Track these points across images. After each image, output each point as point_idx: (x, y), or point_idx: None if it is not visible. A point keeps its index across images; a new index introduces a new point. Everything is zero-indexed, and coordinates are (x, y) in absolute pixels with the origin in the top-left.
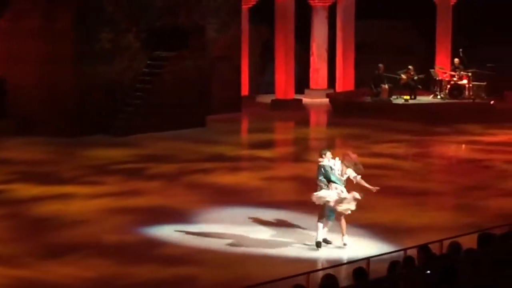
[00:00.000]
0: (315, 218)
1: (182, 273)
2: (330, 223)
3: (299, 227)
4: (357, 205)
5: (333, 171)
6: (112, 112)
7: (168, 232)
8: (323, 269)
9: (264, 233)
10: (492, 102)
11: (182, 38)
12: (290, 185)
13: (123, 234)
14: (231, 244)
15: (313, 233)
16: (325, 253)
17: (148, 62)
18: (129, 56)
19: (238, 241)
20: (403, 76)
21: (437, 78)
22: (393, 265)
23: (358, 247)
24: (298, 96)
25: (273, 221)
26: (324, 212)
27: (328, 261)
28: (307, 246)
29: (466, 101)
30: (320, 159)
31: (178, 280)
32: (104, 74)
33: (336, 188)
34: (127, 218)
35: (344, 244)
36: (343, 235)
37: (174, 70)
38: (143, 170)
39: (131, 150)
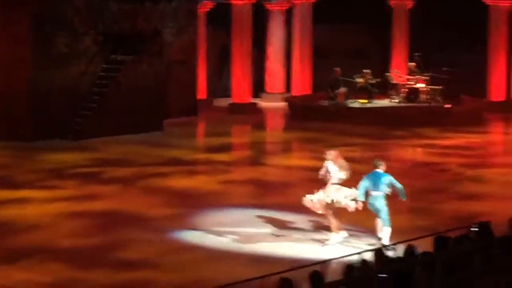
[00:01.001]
0: (274, 220)
1: (138, 277)
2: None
3: (256, 229)
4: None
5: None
6: (69, 116)
7: (124, 236)
8: (280, 272)
9: (221, 237)
10: (448, 106)
11: (139, 42)
12: (247, 188)
13: (79, 238)
14: (187, 248)
15: (271, 232)
16: (286, 253)
17: (105, 66)
18: (86, 60)
19: (195, 244)
20: (360, 80)
21: (393, 82)
22: (349, 268)
23: (314, 248)
24: (255, 100)
25: (230, 224)
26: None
27: (291, 261)
28: (267, 247)
29: (422, 104)
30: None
31: (134, 284)
32: (61, 78)
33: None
34: (83, 222)
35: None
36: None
37: (131, 74)
38: (100, 174)
39: (87, 154)
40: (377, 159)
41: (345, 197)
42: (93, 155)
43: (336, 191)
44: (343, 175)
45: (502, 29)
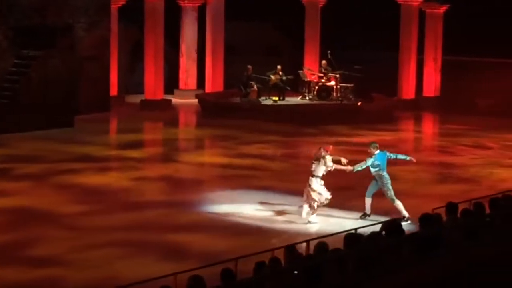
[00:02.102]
0: (187, 217)
1: (48, 274)
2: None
3: (168, 227)
4: None
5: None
6: None
7: (34, 233)
8: (193, 269)
9: (134, 233)
10: (359, 104)
11: (50, 37)
12: (159, 185)
13: None
14: (98, 245)
15: (185, 227)
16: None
17: (16, 61)
18: None
19: (106, 241)
20: (272, 77)
21: (306, 80)
22: (259, 265)
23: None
24: (167, 97)
25: (142, 221)
26: None
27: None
28: (180, 243)
29: (334, 102)
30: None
31: (44, 281)
32: None
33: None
34: None
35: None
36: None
37: (42, 70)
38: (10, 171)
39: None
40: (373, 142)
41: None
42: (4, 151)
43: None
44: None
45: (413, 28)
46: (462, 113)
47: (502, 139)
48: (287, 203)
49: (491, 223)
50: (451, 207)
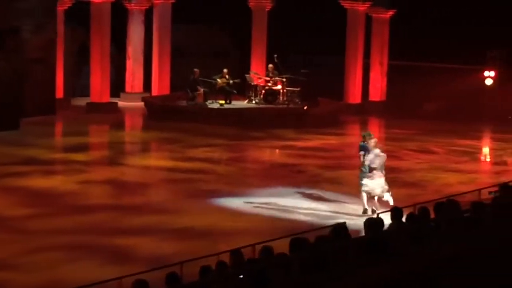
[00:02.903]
0: (133, 220)
1: None
2: None
3: (114, 230)
4: None
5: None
6: None
7: None
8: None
9: (80, 237)
10: (305, 108)
11: None
12: (105, 188)
13: None
14: (44, 248)
15: (132, 231)
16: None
17: None
18: None
19: (54, 245)
20: (219, 81)
21: (252, 83)
22: (205, 269)
23: (172, 249)
24: (113, 100)
25: (88, 224)
26: None
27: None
28: (126, 247)
29: (280, 106)
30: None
31: None
32: None
33: None
34: None
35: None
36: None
37: None
38: None
39: None
40: (368, 132)
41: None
42: None
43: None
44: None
45: (359, 32)
46: (407, 118)
47: (447, 144)
48: (233, 206)
49: (436, 228)
50: (396, 211)
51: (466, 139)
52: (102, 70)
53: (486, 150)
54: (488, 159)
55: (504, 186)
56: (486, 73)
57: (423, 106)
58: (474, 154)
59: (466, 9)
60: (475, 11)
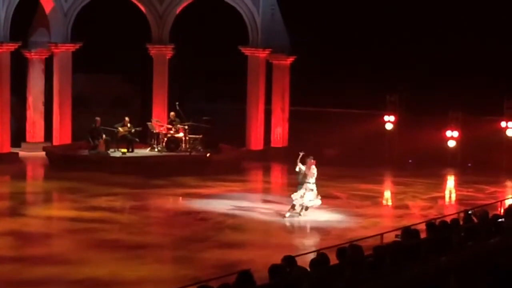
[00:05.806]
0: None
1: None
2: None
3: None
4: None
5: None
6: None
7: None
8: None
9: None
10: (208, 155)
11: None
12: (6, 240)
13: None
14: None
15: None
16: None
17: None
18: None
19: None
20: (120, 129)
21: (154, 131)
22: None
23: None
24: (14, 150)
25: None
26: None
27: None
28: None
29: (183, 153)
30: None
31: None
32: None
33: None
34: None
35: None
36: None
37: None
38: None
39: None
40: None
41: None
42: None
43: None
44: None
45: (260, 79)
46: None
47: (349, 188)
48: (135, 256)
49: (340, 273)
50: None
51: (368, 183)
52: (2, 120)
53: (387, 194)
54: (389, 203)
55: (406, 230)
56: (386, 118)
57: (323, 151)
58: (376, 198)
59: (366, 54)
60: (374, 56)
